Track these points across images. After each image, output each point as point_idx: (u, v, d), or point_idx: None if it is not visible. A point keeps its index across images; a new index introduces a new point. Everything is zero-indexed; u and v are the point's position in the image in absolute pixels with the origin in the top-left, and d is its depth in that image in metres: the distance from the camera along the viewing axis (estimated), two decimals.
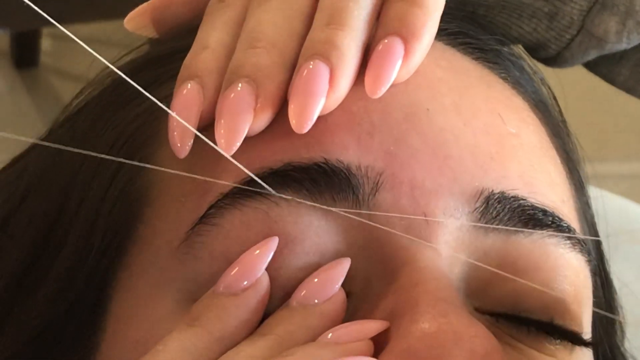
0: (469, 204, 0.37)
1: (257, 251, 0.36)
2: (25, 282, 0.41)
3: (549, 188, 0.40)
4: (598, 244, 0.47)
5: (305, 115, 0.36)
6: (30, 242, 0.42)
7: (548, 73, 0.52)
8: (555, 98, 0.48)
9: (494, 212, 0.37)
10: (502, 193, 0.37)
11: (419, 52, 0.37)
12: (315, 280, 0.35)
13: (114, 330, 0.38)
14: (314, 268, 0.36)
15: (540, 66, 0.52)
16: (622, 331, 0.52)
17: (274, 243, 0.36)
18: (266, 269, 0.36)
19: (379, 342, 0.34)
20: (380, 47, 0.37)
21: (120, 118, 0.42)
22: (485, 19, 0.48)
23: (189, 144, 0.37)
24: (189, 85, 0.37)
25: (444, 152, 0.37)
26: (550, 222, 0.38)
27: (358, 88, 0.37)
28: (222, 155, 0.37)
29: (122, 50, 0.46)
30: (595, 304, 0.42)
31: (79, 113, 0.45)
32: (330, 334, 0.34)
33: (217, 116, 0.37)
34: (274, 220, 0.36)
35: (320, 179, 0.36)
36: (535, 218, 0.38)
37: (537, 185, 0.39)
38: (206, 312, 0.35)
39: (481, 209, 0.37)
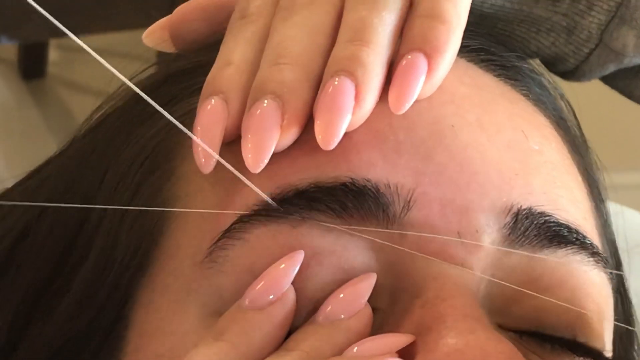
0: (498, 219, 0.37)
1: (283, 265, 0.35)
2: (45, 295, 0.41)
3: (571, 205, 0.40)
4: (618, 261, 0.47)
5: (332, 131, 0.36)
6: (50, 255, 0.42)
7: (563, 83, 0.52)
8: (574, 113, 0.48)
9: (522, 228, 0.37)
10: (530, 209, 0.37)
11: (443, 68, 0.37)
12: (342, 295, 0.35)
13: (137, 344, 0.38)
14: (340, 282, 0.36)
15: (555, 77, 0.52)
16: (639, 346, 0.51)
17: (300, 256, 0.36)
18: (292, 283, 0.35)
19: (405, 357, 0.34)
20: (403, 62, 0.37)
21: (142, 132, 0.42)
22: (504, 33, 0.49)
23: (214, 159, 0.37)
24: (213, 101, 0.37)
25: (471, 168, 0.37)
26: (574, 239, 0.38)
27: (382, 105, 0.37)
28: (245, 170, 0.37)
29: (131, 62, 0.46)
30: (615, 320, 0.42)
31: (99, 126, 0.45)
32: (356, 348, 0.34)
33: (244, 133, 0.37)
34: (300, 234, 0.36)
35: (347, 200, 0.36)
36: (561, 235, 0.38)
37: (561, 202, 0.39)
38: (232, 327, 0.35)
39: (511, 224, 0.37)
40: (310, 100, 0.37)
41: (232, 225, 0.36)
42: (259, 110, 0.36)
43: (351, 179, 0.36)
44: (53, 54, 1.89)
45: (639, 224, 0.68)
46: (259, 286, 0.35)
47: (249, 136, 0.36)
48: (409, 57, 0.37)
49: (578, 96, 0.58)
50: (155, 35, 0.44)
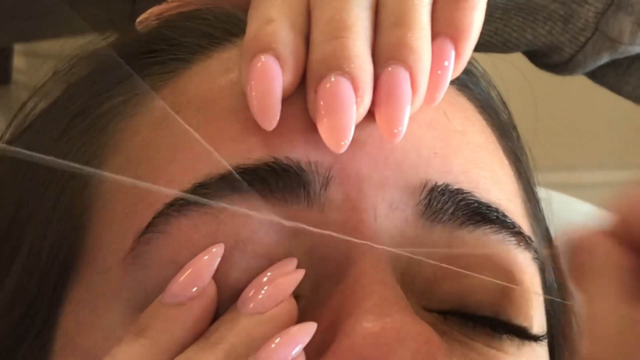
0: (413, 196, 0.37)
1: (206, 257, 0.36)
2: None
3: (494, 185, 0.40)
4: (550, 243, 0.47)
5: (395, 124, 0.36)
6: None
7: (522, 84, 0.52)
8: (504, 102, 0.48)
9: (438, 205, 0.37)
10: (446, 185, 0.38)
11: (468, 51, 0.38)
12: (264, 279, 0.36)
13: (64, 341, 0.39)
14: (262, 269, 0.36)
15: (514, 78, 0.53)
16: (580, 331, 0.52)
17: (220, 249, 0.36)
18: (216, 270, 0.36)
19: (325, 342, 0.35)
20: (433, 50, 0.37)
21: (70, 132, 0.42)
22: (500, 21, 0.49)
23: (274, 114, 0.36)
24: (263, 57, 0.36)
25: (388, 145, 0.38)
26: (494, 218, 0.39)
27: (301, 89, 0.37)
28: (168, 165, 0.37)
29: None
30: (548, 301, 0.42)
31: (31, 127, 0.45)
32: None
33: (317, 112, 0.36)
34: (222, 222, 0.36)
35: (270, 179, 0.36)
36: (480, 213, 0.38)
37: (482, 182, 0.39)
38: (153, 324, 0.35)
39: (425, 201, 0.37)
40: (372, 71, 0.36)
41: (153, 218, 0.37)
42: (329, 86, 0.36)
43: (274, 158, 0.36)
44: (19, 61, 1.89)
45: (590, 215, 0.69)
46: (179, 280, 0.35)
47: (325, 116, 0.36)
48: (439, 44, 0.37)
49: (538, 95, 0.59)
50: (149, 22, 0.45)
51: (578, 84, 0.54)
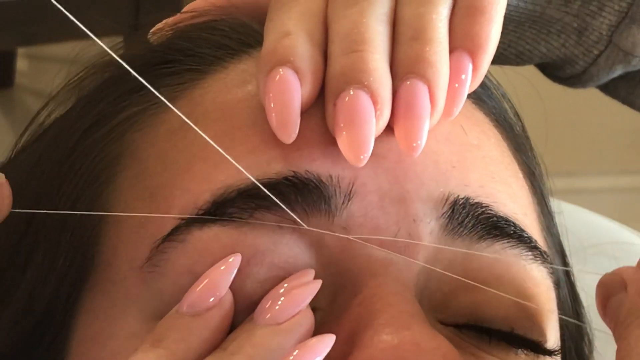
0: (436, 208, 0.37)
1: (223, 267, 0.35)
2: None
3: (509, 199, 0.40)
4: (564, 257, 0.48)
5: (414, 138, 0.36)
6: None
7: (527, 90, 0.52)
8: (517, 114, 0.48)
9: (460, 218, 0.38)
10: (467, 199, 0.38)
11: (485, 64, 0.38)
12: (281, 290, 0.35)
13: (80, 351, 0.39)
14: (279, 280, 0.36)
15: (518, 82, 0.53)
16: (591, 344, 0.52)
17: (237, 259, 0.36)
18: (233, 281, 0.35)
19: (343, 354, 0.35)
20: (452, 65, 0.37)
21: (85, 141, 0.42)
22: (514, 34, 0.49)
23: (294, 127, 0.36)
24: (282, 70, 0.36)
25: (408, 159, 0.38)
26: (512, 232, 0.39)
27: (319, 103, 0.37)
28: (185, 174, 0.37)
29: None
30: (564, 316, 0.43)
31: (44, 134, 0.45)
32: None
33: (336, 125, 0.36)
34: (243, 233, 0.36)
35: (291, 193, 0.36)
36: (498, 227, 0.38)
37: (498, 196, 0.39)
38: (170, 333, 0.35)
39: (448, 213, 0.37)
40: (391, 85, 0.36)
41: (173, 229, 0.37)
42: (348, 99, 0.36)
43: (293, 172, 0.36)
44: (21, 64, 1.89)
45: (593, 224, 0.69)
46: (197, 290, 0.35)
47: (344, 129, 0.36)
48: (456, 57, 0.37)
49: (544, 101, 0.60)
50: (163, 33, 0.45)
51: (577, 90, 0.55)
